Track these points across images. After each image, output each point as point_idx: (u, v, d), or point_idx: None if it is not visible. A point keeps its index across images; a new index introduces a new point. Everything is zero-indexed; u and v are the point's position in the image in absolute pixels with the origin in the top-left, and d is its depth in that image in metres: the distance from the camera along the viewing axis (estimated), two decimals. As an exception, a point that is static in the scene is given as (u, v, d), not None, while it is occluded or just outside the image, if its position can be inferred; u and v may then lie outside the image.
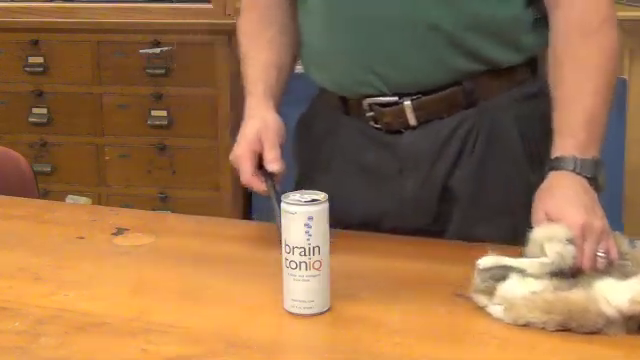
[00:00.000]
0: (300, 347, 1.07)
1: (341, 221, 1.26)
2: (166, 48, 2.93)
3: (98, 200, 3.02)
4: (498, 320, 1.09)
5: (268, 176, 1.35)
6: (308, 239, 1.10)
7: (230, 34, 2.87)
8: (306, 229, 1.09)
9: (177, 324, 1.10)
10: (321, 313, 1.11)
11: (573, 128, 1.26)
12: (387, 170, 1.40)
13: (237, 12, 2.93)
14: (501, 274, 1.11)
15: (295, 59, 1.51)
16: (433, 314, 1.12)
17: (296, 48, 1.49)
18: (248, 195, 3.01)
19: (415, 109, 1.37)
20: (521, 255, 1.15)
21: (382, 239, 1.38)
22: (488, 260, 1.13)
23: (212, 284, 1.22)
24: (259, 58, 1.48)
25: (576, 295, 1.07)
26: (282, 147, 1.38)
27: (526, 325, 1.07)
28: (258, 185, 1.34)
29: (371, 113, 1.40)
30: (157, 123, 2.97)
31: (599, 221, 1.18)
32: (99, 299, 1.18)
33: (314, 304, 1.11)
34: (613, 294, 1.07)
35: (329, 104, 1.46)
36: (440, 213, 1.39)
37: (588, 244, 1.15)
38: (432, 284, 1.20)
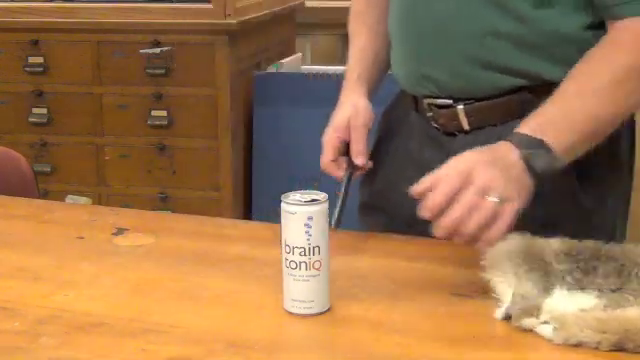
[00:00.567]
0: (300, 347, 1.07)
1: (393, 213, 1.27)
2: (166, 48, 2.93)
3: (98, 200, 3.02)
4: (498, 320, 1.09)
5: (352, 165, 1.39)
6: (308, 239, 1.10)
7: (230, 34, 2.88)
8: (306, 229, 1.09)
9: (177, 324, 1.10)
10: (321, 313, 1.11)
11: (540, 114, 1.22)
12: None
13: (237, 12, 2.96)
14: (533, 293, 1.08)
15: None
16: (433, 314, 1.12)
17: None
18: (248, 195, 3.01)
19: (467, 114, 1.37)
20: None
21: (382, 239, 1.38)
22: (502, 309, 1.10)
23: (212, 284, 1.22)
24: (358, 42, 1.51)
25: (632, 313, 1.04)
26: (369, 135, 1.41)
27: (578, 345, 1.02)
28: (334, 171, 1.39)
29: (430, 113, 1.41)
30: (157, 123, 2.97)
31: (489, 172, 1.12)
32: (99, 299, 1.18)
33: (314, 304, 1.11)
34: None
35: (405, 99, 1.48)
36: None
37: (473, 181, 1.11)
38: (432, 284, 1.20)
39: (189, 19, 2.91)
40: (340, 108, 1.44)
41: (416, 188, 1.14)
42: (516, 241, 1.17)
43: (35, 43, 3.00)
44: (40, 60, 3.01)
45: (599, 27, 1.31)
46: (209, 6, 2.91)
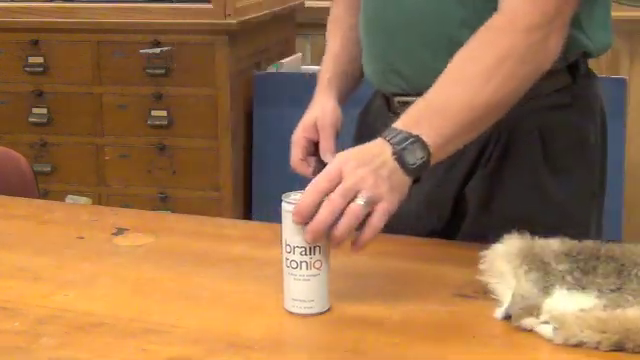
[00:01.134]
0: (300, 347, 1.07)
1: None
2: (166, 48, 2.93)
3: (98, 200, 3.02)
4: (498, 320, 1.09)
5: (321, 164, 1.38)
6: None
7: (230, 34, 2.88)
8: (307, 228, 1.09)
9: (177, 324, 1.10)
10: (321, 313, 1.11)
11: (413, 107, 1.20)
12: None
13: (237, 12, 2.96)
14: (535, 293, 1.08)
15: None
16: (433, 314, 1.12)
17: None
18: (248, 195, 3.01)
19: None
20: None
21: (382, 239, 1.37)
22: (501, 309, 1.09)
23: (212, 284, 1.22)
24: (333, 46, 1.52)
25: (632, 313, 1.03)
26: (338, 136, 1.42)
27: (578, 345, 1.02)
28: (304, 169, 1.40)
29: (402, 112, 1.41)
30: (157, 123, 2.97)
31: (364, 169, 1.10)
32: (99, 299, 1.18)
33: (314, 304, 1.11)
34: None
35: (378, 100, 1.49)
36: (453, 218, 1.39)
37: (342, 183, 1.08)
38: (432, 284, 1.20)
39: (189, 19, 2.91)
40: (309, 110, 1.45)
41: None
42: (515, 242, 1.17)
43: (35, 43, 3.00)
44: (40, 60, 3.01)
45: None
46: (209, 6, 2.91)
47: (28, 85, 3.03)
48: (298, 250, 1.10)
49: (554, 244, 1.17)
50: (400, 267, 1.27)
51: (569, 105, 1.38)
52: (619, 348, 1.01)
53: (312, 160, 1.41)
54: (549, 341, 1.03)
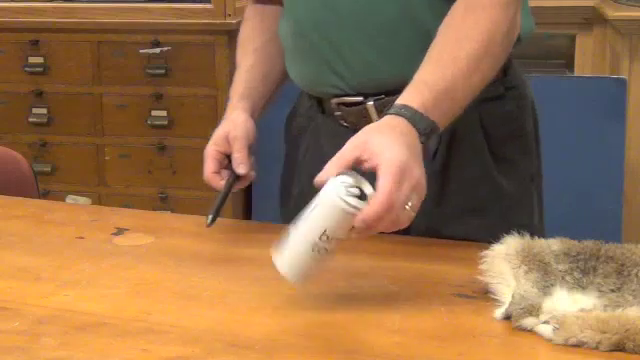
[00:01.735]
0: (300, 347, 1.07)
1: None
2: (166, 48, 2.93)
3: (98, 200, 3.02)
4: (498, 320, 1.09)
5: (233, 177, 1.39)
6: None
7: (230, 34, 2.88)
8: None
9: (177, 324, 1.10)
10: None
11: (425, 84, 1.20)
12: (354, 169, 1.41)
13: (237, 12, 2.95)
14: (535, 293, 1.09)
15: None
16: (433, 314, 1.12)
17: None
18: (248, 195, 3.01)
19: (378, 110, 1.36)
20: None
21: (382, 239, 1.37)
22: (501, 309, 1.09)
23: (212, 284, 1.22)
24: (244, 64, 1.51)
25: (632, 313, 1.03)
26: (251, 148, 1.41)
27: (578, 345, 1.02)
28: (217, 183, 1.39)
29: (339, 112, 1.41)
30: (157, 123, 2.97)
31: (419, 170, 1.12)
32: (99, 299, 1.18)
33: (308, 279, 1.11)
34: None
35: (307, 103, 1.49)
36: None
37: (401, 189, 1.09)
38: (432, 284, 1.20)
39: (189, 19, 2.92)
40: (220, 125, 1.44)
41: (324, 174, 1.12)
42: (515, 243, 1.17)
43: (35, 43, 3.00)
44: (40, 60, 3.01)
45: None
46: (209, 6, 2.91)
47: (28, 85, 3.03)
48: (334, 242, 1.08)
49: (554, 244, 1.17)
50: (400, 267, 1.27)
51: (503, 95, 1.40)
52: (619, 348, 1.01)
53: (225, 173, 1.40)
54: (549, 341, 1.03)
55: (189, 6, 2.94)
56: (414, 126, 1.16)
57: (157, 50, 2.93)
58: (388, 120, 1.17)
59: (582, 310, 1.06)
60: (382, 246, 1.34)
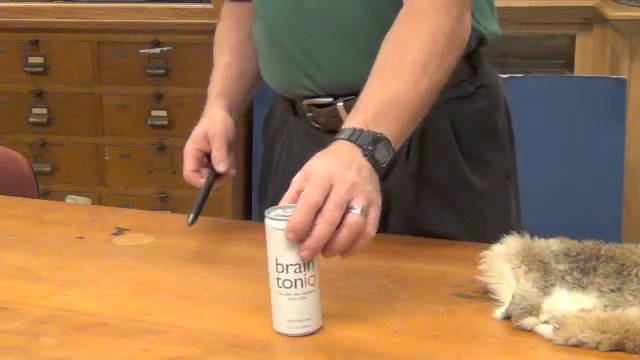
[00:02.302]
0: (300, 347, 1.07)
1: None
2: (166, 48, 2.93)
3: (98, 200, 3.02)
4: (498, 320, 1.09)
5: (213, 174, 1.38)
6: None
7: (230, 34, 2.87)
8: (300, 244, 1.04)
9: (177, 324, 1.11)
10: (316, 331, 1.07)
11: (364, 104, 1.18)
12: None
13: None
14: (535, 293, 1.09)
15: None
16: (433, 314, 1.12)
17: None
18: (248, 195, 3.01)
19: (348, 110, 1.33)
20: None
21: (382, 239, 1.37)
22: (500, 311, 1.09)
23: (212, 284, 1.22)
24: (221, 62, 1.53)
25: (632, 313, 1.03)
26: (231, 146, 1.40)
27: (578, 345, 1.02)
28: (197, 181, 1.38)
29: (311, 114, 1.42)
30: (157, 123, 2.97)
31: (353, 174, 1.06)
32: (99, 299, 1.18)
33: (311, 322, 1.07)
34: None
35: (281, 105, 1.49)
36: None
37: (334, 192, 1.04)
38: (432, 284, 1.20)
39: (189, 19, 2.92)
40: (199, 124, 1.43)
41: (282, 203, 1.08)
42: (515, 243, 1.17)
43: (35, 43, 3.00)
44: (40, 60, 3.01)
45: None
46: (209, 6, 2.91)
47: (28, 85, 3.03)
48: (292, 268, 1.04)
49: (554, 244, 1.17)
50: (400, 267, 1.27)
51: (473, 94, 1.41)
52: (619, 348, 1.01)
53: (205, 171, 1.39)
54: (549, 341, 1.04)
55: (189, 6, 2.94)
56: (354, 142, 1.12)
57: (157, 50, 2.93)
58: (330, 146, 1.14)
59: (582, 310, 1.06)
60: (382, 246, 1.34)
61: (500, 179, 1.45)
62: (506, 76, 2.53)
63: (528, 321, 1.06)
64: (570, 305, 1.07)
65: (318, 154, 1.13)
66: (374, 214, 1.08)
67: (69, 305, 1.17)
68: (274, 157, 1.52)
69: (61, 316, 1.13)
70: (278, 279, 1.05)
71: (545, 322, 1.05)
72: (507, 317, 1.08)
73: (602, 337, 1.01)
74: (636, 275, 1.12)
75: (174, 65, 2.93)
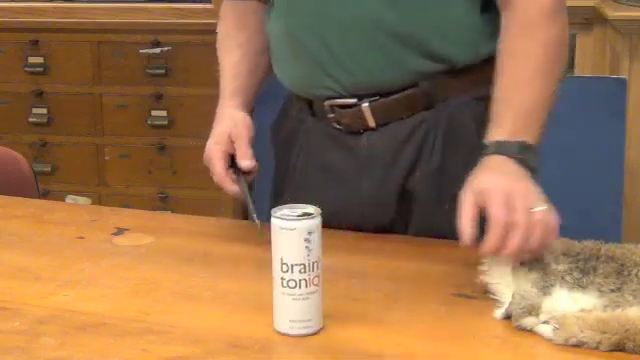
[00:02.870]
0: (300, 347, 1.07)
1: None
2: (166, 48, 2.93)
3: (98, 200, 3.02)
4: (498, 320, 1.09)
5: (240, 175, 1.38)
6: (308, 255, 1.05)
7: (230, 34, 2.87)
8: (306, 244, 1.04)
9: (177, 324, 1.11)
10: (317, 332, 1.08)
11: (503, 119, 1.27)
12: (347, 170, 1.41)
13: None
14: (535, 293, 1.09)
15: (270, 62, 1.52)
16: (433, 314, 1.12)
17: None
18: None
19: (373, 111, 1.37)
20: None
21: (382, 239, 1.38)
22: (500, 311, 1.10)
23: (212, 284, 1.22)
24: (229, 60, 1.51)
25: (632, 313, 1.04)
26: (253, 144, 1.41)
27: (578, 345, 1.02)
28: (229, 185, 1.38)
29: (332, 115, 1.41)
30: (157, 123, 2.97)
31: (520, 183, 1.18)
32: (99, 299, 1.18)
33: (312, 323, 1.07)
34: None
35: (297, 106, 1.48)
36: (400, 212, 1.39)
37: (518, 204, 1.14)
38: (432, 284, 1.20)
39: (189, 19, 2.91)
40: (218, 123, 1.45)
41: (464, 234, 1.16)
42: None
43: (35, 43, 3.00)
44: (40, 60, 3.01)
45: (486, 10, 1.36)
46: (209, 6, 2.91)
47: (28, 85, 3.03)
48: (297, 268, 1.05)
49: (554, 244, 1.17)
50: (400, 267, 1.27)
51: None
52: (619, 348, 1.01)
53: (231, 173, 1.39)
54: (549, 341, 1.04)
55: (189, 6, 2.94)
56: (503, 154, 1.22)
57: (157, 50, 2.93)
58: (485, 162, 1.23)
59: (582, 310, 1.06)
60: (382, 246, 1.34)
61: None
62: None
63: (528, 321, 1.06)
64: (570, 305, 1.07)
65: (479, 172, 1.21)
66: (551, 208, 1.17)
67: (69, 305, 1.17)
68: (290, 157, 1.50)
69: (61, 316, 1.13)
70: (282, 279, 1.06)
71: (545, 322, 1.05)
72: (507, 317, 1.08)
73: (602, 337, 1.01)
74: (636, 275, 1.12)
75: (174, 65, 2.93)
